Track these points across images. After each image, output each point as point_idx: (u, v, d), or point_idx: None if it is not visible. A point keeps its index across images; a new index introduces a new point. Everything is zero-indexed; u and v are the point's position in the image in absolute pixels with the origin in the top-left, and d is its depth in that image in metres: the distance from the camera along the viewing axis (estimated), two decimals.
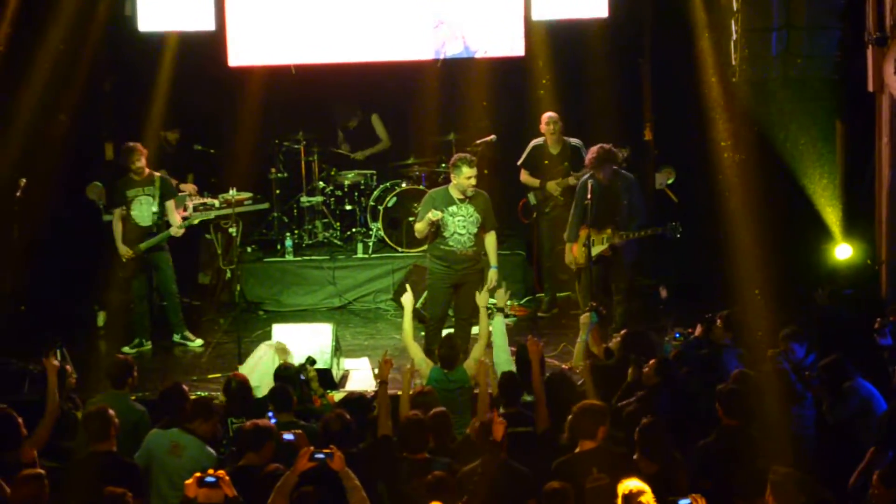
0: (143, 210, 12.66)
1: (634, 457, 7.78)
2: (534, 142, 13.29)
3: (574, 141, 13.03)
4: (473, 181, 11.12)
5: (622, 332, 10.33)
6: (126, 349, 12.38)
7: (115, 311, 13.68)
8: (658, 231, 12.02)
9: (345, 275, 14.15)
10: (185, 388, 9.71)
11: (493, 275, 11.11)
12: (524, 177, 13.32)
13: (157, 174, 12.88)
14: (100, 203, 13.65)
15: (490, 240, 11.27)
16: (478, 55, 14.33)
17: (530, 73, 14.48)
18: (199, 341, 12.82)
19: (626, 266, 12.31)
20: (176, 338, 12.98)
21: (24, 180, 11.97)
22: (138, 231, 12.65)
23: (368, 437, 8.87)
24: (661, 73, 14.71)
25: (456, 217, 11.14)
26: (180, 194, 13.63)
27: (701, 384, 9.42)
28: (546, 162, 13.18)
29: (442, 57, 14.38)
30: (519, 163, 13.40)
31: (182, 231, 12.68)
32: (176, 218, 12.79)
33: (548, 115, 13.08)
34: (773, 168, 14.08)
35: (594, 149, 12.02)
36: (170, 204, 12.82)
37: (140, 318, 12.89)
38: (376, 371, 10.42)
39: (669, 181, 13.77)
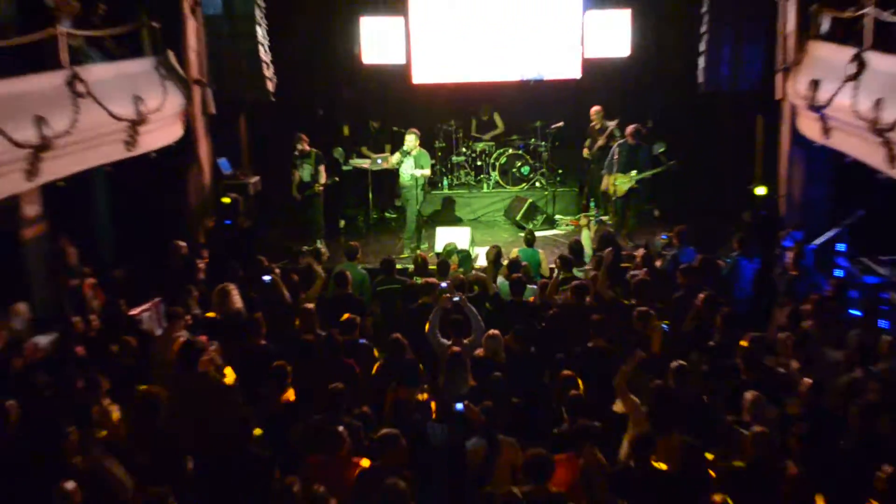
0: (305, 172, 15.29)
1: None
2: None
3: (611, 123, 16.64)
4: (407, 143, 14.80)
5: (600, 233, 13.56)
6: (305, 247, 14.29)
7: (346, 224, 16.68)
8: (665, 167, 15.32)
9: (477, 201, 17.77)
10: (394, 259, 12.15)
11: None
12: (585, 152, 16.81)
13: (314, 150, 15.32)
14: (340, 160, 17.34)
15: None
16: (546, 77, 17.58)
17: (584, 89, 18.02)
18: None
19: (643, 195, 15.76)
20: (318, 244, 14.77)
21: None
22: (303, 185, 15.29)
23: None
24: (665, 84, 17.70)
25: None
26: (380, 155, 16.84)
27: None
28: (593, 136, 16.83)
29: (526, 78, 17.66)
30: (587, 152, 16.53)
31: (320, 187, 15.14)
32: (322, 178, 15.20)
33: (594, 110, 16.85)
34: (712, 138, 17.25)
35: (632, 127, 15.40)
36: (321, 168, 15.24)
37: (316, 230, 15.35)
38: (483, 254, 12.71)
39: (661, 150, 16.91)
